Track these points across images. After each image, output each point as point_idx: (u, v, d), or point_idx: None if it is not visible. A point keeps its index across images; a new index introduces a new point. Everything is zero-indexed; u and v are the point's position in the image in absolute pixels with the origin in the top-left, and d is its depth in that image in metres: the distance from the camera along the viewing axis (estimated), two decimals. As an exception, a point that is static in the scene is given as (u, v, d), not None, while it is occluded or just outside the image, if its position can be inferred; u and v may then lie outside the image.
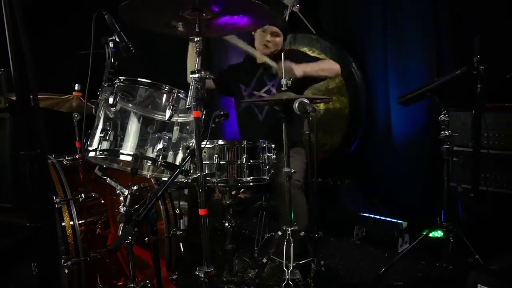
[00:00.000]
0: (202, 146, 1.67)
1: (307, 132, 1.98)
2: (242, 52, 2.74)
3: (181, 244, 2.38)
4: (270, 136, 2.29)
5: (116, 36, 1.79)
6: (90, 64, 1.79)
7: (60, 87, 2.39)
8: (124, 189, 1.83)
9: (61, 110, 2.38)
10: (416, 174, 3.06)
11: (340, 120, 3.36)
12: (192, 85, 1.61)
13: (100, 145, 1.75)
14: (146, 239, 1.74)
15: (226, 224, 2.24)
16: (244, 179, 2.13)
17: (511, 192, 2.51)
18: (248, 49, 2.55)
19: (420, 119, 3.00)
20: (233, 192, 2.30)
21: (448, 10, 2.83)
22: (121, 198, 1.81)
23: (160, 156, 1.77)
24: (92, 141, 1.79)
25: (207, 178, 2.05)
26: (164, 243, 2.22)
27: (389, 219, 2.89)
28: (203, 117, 1.74)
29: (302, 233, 2.10)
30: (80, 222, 1.97)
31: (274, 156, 2.25)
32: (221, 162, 2.10)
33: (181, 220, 2.45)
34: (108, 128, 1.76)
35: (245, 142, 2.15)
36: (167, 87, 1.82)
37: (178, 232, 2.24)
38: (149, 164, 1.94)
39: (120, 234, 1.68)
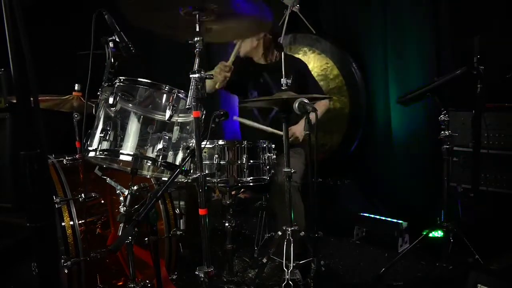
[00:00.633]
0: (202, 146, 1.67)
1: (307, 132, 1.98)
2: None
3: (180, 244, 2.38)
4: (272, 137, 2.29)
5: (116, 36, 1.79)
6: (90, 64, 1.79)
7: (60, 87, 2.39)
8: (124, 189, 1.83)
9: (62, 110, 2.37)
10: (416, 174, 3.06)
11: (340, 120, 3.36)
12: (192, 85, 1.61)
13: (100, 145, 1.75)
14: (146, 239, 1.74)
15: (226, 224, 2.24)
16: (244, 179, 2.13)
17: (511, 192, 2.51)
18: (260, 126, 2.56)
19: (420, 119, 3.00)
20: (233, 192, 2.30)
21: (448, 10, 2.83)
22: (121, 198, 1.81)
23: (160, 156, 1.77)
24: (92, 141, 1.79)
25: (207, 178, 2.05)
26: (164, 243, 2.22)
27: (389, 219, 2.89)
28: (203, 117, 1.74)
29: (302, 233, 2.10)
30: (80, 222, 1.96)
31: (274, 156, 2.25)
32: (221, 162, 2.10)
33: (181, 220, 2.45)
34: (108, 128, 1.76)
35: (245, 142, 2.15)
36: (167, 87, 1.82)
37: (178, 232, 2.24)
38: (149, 164, 1.94)
39: (120, 234, 1.68)
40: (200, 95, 1.61)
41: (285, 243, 2.03)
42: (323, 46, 3.34)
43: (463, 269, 2.22)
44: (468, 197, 2.58)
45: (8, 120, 3.12)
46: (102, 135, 1.75)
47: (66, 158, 2.17)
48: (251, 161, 2.14)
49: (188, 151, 1.80)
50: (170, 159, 1.82)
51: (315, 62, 3.35)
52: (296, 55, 3.38)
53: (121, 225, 1.68)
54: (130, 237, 1.70)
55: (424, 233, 2.45)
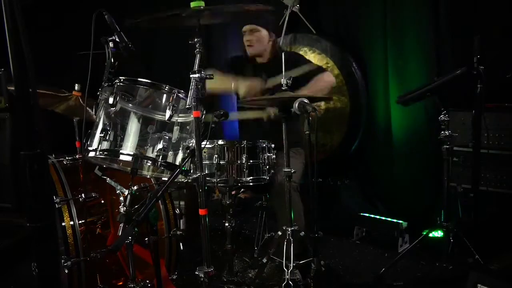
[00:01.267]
0: (202, 146, 1.67)
1: (307, 132, 1.98)
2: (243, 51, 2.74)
3: (181, 243, 2.38)
4: (272, 137, 2.29)
5: (116, 36, 1.79)
6: (90, 64, 1.79)
7: (60, 87, 2.39)
8: (124, 189, 1.83)
9: (56, 111, 2.35)
10: (416, 174, 3.06)
11: (340, 120, 3.35)
12: (192, 85, 1.61)
13: (100, 145, 1.75)
14: (146, 239, 1.75)
15: (226, 224, 2.24)
16: (244, 179, 2.13)
17: (511, 192, 2.51)
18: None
19: (420, 119, 3.00)
20: (233, 192, 2.30)
21: (448, 10, 2.83)
22: (121, 198, 1.81)
23: (160, 156, 1.77)
24: (92, 141, 1.79)
25: (207, 178, 2.05)
26: (164, 243, 2.22)
27: (389, 219, 2.89)
28: (203, 117, 1.74)
29: (302, 233, 2.10)
30: (80, 222, 1.96)
31: (274, 156, 2.25)
32: (221, 162, 2.10)
33: (181, 220, 2.45)
34: (108, 128, 1.76)
35: (245, 142, 2.15)
36: (167, 87, 1.82)
37: (178, 232, 2.24)
38: (149, 164, 1.94)
39: (120, 234, 1.68)
40: (200, 95, 1.62)
41: (285, 243, 2.03)
42: (323, 46, 3.34)
43: (463, 269, 2.22)
44: (468, 197, 2.58)
45: (8, 120, 3.12)
46: (102, 135, 1.75)
47: (66, 158, 2.17)
48: (251, 161, 2.14)
49: (188, 151, 1.80)
50: (170, 159, 1.82)
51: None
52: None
53: (121, 225, 1.68)
54: (130, 237, 1.70)
55: (424, 233, 2.45)
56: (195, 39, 1.68)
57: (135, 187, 1.82)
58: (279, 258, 2.08)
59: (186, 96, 1.67)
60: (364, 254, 2.80)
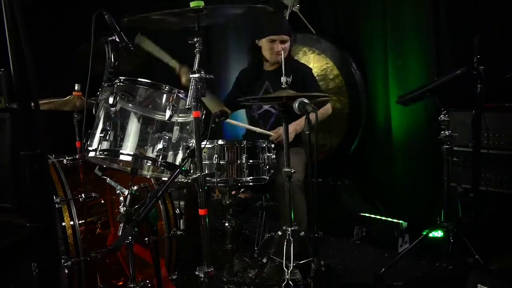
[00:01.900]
0: (202, 146, 1.67)
1: (307, 132, 1.98)
2: (245, 54, 2.74)
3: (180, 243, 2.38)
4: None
5: (116, 36, 1.79)
6: (90, 64, 1.79)
7: (60, 87, 2.39)
8: (124, 189, 1.83)
9: (65, 109, 2.37)
10: (416, 174, 3.06)
11: (340, 120, 3.35)
12: (192, 85, 1.61)
13: (100, 145, 1.76)
14: (146, 239, 1.75)
15: (226, 224, 2.24)
16: (244, 179, 2.13)
17: (511, 192, 2.51)
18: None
19: (420, 119, 3.00)
20: (233, 192, 2.30)
21: (448, 10, 2.83)
22: (121, 198, 1.82)
23: (160, 156, 1.77)
24: (92, 141, 1.79)
25: (207, 178, 2.05)
26: (164, 243, 2.22)
27: (389, 219, 2.88)
28: (203, 117, 1.74)
29: (302, 233, 2.10)
30: (80, 222, 1.97)
31: (274, 156, 2.25)
32: (221, 162, 2.10)
33: (181, 220, 2.45)
34: (108, 128, 1.76)
35: (244, 142, 2.15)
36: (167, 87, 1.82)
37: (178, 232, 2.24)
38: (149, 164, 1.94)
39: (120, 234, 1.68)
40: (200, 95, 1.62)
41: (285, 243, 2.03)
42: (323, 46, 3.34)
43: (463, 269, 2.22)
44: (468, 197, 2.58)
45: (8, 120, 3.12)
46: (102, 135, 1.75)
47: (66, 158, 2.17)
48: (251, 161, 2.14)
49: (188, 151, 1.80)
50: (170, 159, 1.82)
51: (315, 62, 3.35)
52: (296, 55, 3.37)
53: (121, 225, 1.68)
54: (130, 237, 1.71)
55: (424, 233, 2.45)
56: (195, 39, 1.68)
57: (135, 187, 1.82)
58: (279, 258, 2.08)
59: (186, 96, 1.67)
60: (364, 254, 2.80)
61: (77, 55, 2.19)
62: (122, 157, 1.77)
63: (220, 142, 2.12)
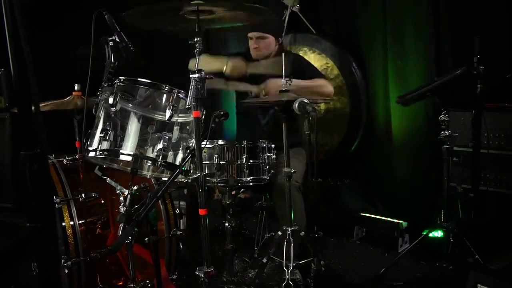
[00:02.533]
0: (202, 146, 1.67)
1: (307, 132, 1.98)
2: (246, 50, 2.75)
3: (180, 244, 2.38)
4: (270, 137, 2.29)
5: (116, 36, 1.79)
6: (90, 64, 1.79)
7: (60, 87, 2.39)
8: (124, 189, 1.83)
9: (67, 108, 2.37)
10: (416, 174, 3.06)
11: (340, 120, 3.35)
12: (192, 85, 1.62)
13: (100, 145, 1.76)
14: (146, 239, 1.75)
15: (226, 224, 2.24)
16: (244, 179, 2.13)
17: (511, 192, 2.51)
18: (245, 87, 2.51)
19: (420, 119, 3.00)
20: (233, 192, 2.30)
21: (448, 10, 2.83)
22: (121, 198, 1.81)
23: (160, 156, 1.77)
24: (92, 141, 1.79)
25: (207, 178, 2.05)
26: (164, 243, 2.22)
27: (389, 219, 2.88)
28: (203, 117, 1.74)
29: (302, 233, 2.10)
30: (80, 222, 1.97)
31: (274, 156, 2.25)
32: (221, 162, 2.10)
33: (181, 220, 2.45)
34: (108, 128, 1.76)
35: (245, 142, 2.15)
36: (167, 87, 1.82)
37: (178, 232, 2.24)
38: (149, 164, 1.94)
39: (120, 234, 1.68)
40: (200, 95, 1.62)
41: (285, 243, 2.03)
42: (323, 46, 3.33)
43: (463, 269, 2.22)
44: (468, 197, 2.58)
45: (8, 120, 3.13)
46: (102, 135, 1.75)
47: (66, 158, 2.17)
48: (251, 161, 2.14)
49: (188, 151, 1.80)
50: (170, 159, 1.82)
51: (315, 62, 3.34)
52: (296, 55, 3.38)
53: (121, 225, 1.68)
54: (130, 237, 1.71)
55: (424, 233, 2.45)
56: (195, 39, 1.68)
57: (135, 187, 1.82)
58: (279, 258, 2.08)
59: (186, 96, 1.67)
60: (364, 254, 2.80)
61: (76, 56, 2.19)
62: (122, 157, 1.77)
63: (220, 142, 2.12)
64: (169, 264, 2.27)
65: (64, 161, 2.15)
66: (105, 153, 1.77)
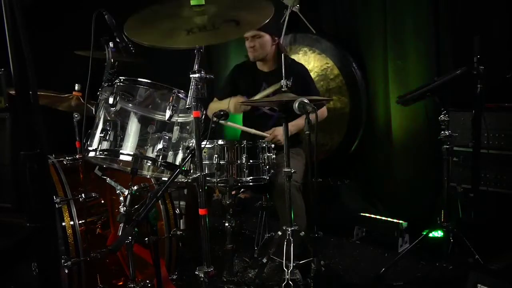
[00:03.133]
0: (202, 146, 1.67)
1: (307, 132, 1.98)
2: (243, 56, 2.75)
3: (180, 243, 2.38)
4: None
5: (116, 36, 1.79)
6: (90, 64, 1.79)
7: (60, 87, 2.39)
8: (124, 189, 1.83)
9: (59, 108, 2.37)
10: (416, 174, 3.06)
11: (340, 120, 3.35)
12: (192, 85, 1.61)
13: (100, 145, 1.75)
14: (146, 239, 1.75)
15: (226, 224, 2.24)
16: (244, 179, 2.13)
17: (511, 192, 2.51)
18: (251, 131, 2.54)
19: (420, 119, 3.00)
20: (233, 192, 2.30)
21: (448, 9, 2.83)
22: (121, 198, 1.81)
23: (160, 156, 1.77)
24: (92, 141, 1.79)
25: (207, 178, 2.05)
26: (164, 243, 2.22)
27: (389, 219, 2.88)
28: (203, 117, 1.74)
29: (302, 233, 2.10)
30: (80, 222, 1.97)
31: (274, 156, 2.25)
32: (221, 162, 2.10)
33: (181, 220, 2.45)
34: (108, 128, 1.76)
35: (244, 142, 2.15)
36: (167, 87, 1.82)
37: (178, 232, 2.24)
38: (149, 164, 1.94)
39: (120, 234, 1.68)
40: (200, 95, 1.62)
41: (285, 243, 2.03)
42: (323, 46, 3.33)
43: (463, 269, 2.23)
44: (468, 197, 2.58)
45: (8, 120, 3.13)
46: (102, 135, 1.75)
47: (66, 158, 2.17)
48: (251, 161, 2.14)
49: (188, 151, 1.80)
50: (170, 159, 1.82)
51: (315, 62, 3.35)
52: (296, 55, 3.38)
53: (121, 225, 1.68)
54: (130, 237, 1.71)
55: (424, 233, 2.45)
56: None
57: (135, 187, 1.82)
58: (279, 258, 2.08)
59: (186, 96, 1.67)
60: (364, 254, 2.80)
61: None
62: (122, 157, 1.77)
63: (220, 142, 2.12)
64: (169, 264, 2.27)
65: (64, 161, 2.15)
66: (105, 153, 1.77)
